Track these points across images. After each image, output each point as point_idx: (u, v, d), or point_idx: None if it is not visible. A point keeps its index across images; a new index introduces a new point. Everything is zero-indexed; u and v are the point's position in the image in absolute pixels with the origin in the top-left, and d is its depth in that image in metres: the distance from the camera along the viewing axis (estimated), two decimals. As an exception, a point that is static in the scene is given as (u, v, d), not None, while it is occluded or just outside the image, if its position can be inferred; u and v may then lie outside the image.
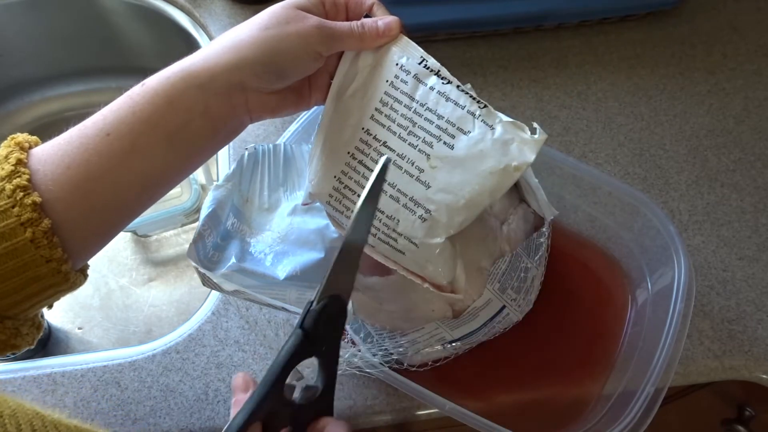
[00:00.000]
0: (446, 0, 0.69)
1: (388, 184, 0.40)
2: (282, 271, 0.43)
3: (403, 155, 0.39)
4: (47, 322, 0.69)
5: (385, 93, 0.40)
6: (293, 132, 0.54)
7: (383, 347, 0.49)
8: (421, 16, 0.69)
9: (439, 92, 0.39)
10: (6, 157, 0.32)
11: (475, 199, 0.39)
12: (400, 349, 0.48)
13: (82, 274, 0.36)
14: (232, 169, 0.47)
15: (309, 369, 0.35)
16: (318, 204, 0.47)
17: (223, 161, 0.66)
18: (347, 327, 0.52)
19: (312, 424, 0.33)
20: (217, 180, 0.54)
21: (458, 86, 0.39)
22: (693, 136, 0.69)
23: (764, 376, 0.55)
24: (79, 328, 0.72)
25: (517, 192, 0.50)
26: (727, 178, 0.65)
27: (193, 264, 0.41)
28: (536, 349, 0.54)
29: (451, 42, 0.74)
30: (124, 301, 0.74)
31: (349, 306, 0.46)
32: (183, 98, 0.35)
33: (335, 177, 0.41)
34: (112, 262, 0.77)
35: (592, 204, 0.56)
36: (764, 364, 0.55)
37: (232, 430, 0.30)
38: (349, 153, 0.40)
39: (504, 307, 0.48)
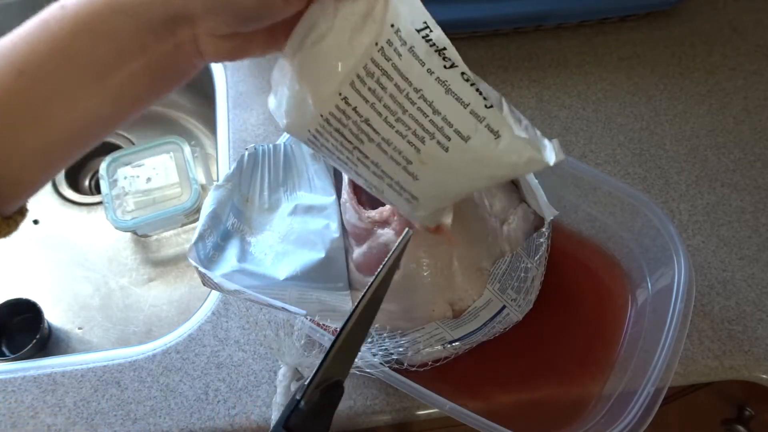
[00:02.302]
0: (446, 0, 0.70)
1: (371, 161, 0.35)
2: (282, 272, 0.43)
3: (389, 141, 0.34)
4: (47, 322, 0.69)
5: (372, 60, 0.32)
6: (293, 132, 0.54)
7: (383, 347, 0.49)
8: (421, 16, 0.69)
9: (438, 79, 0.33)
10: None
11: (466, 194, 0.37)
12: (400, 349, 0.48)
13: (18, 217, 0.31)
14: (232, 169, 0.47)
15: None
16: (318, 204, 0.48)
17: (223, 161, 0.66)
18: (347, 327, 0.52)
19: None
20: (217, 180, 0.54)
21: (463, 73, 0.33)
22: (693, 136, 0.69)
23: (764, 376, 0.55)
24: (79, 328, 0.72)
25: (517, 192, 0.50)
26: (727, 178, 0.65)
27: (193, 264, 0.41)
28: (536, 349, 0.54)
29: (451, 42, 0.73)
30: (124, 301, 0.74)
31: (349, 306, 0.46)
32: (111, 30, 0.28)
33: (309, 131, 0.35)
34: (112, 262, 0.77)
35: (592, 204, 0.56)
36: (764, 364, 0.55)
37: None
38: (322, 116, 0.34)
39: (504, 307, 0.48)
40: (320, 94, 0.33)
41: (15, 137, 0.28)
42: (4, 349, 0.70)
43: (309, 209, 0.47)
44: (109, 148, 0.85)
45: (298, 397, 0.31)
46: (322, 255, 0.45)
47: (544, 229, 0.48)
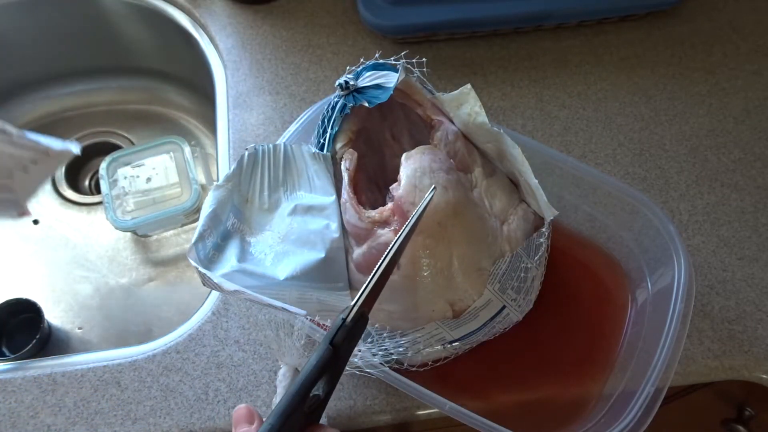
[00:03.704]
0: (446, 0, 0.70)
1: None
2: (282, 272, 0.43)
3: None
4: (47, 322, 0.69)
5: None
6: (293, 132, 0.54)
7: (383, 347, 0.49)
8: (421, 16, 0.69)
9: None
10: None
11: None
12: (400, 349, 0.48)
13: None
14: (232, 169, 0.47)
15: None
16: (318, 204, 0.48)
17: (223, 161, 0.66)
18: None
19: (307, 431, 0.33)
20: (217, 180, 0.54)
21: None
22: (693, 136, 0.69)
23: (764, 376, 0.55)
24: (79, 328, 0.72)
25: (517, 192, 0.50)
26: (727, 178, 0.65)
27: (193, 264, 0.41)
28: (536, 349, 0.54)
29: (451, 42, 0.74)
30: (124, 301, 0.74)
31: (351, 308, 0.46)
32: None
33: None
34: (112, 262, 0.77)
35: (592, 204, 0.56)
36: (764, 364, 0.55)
37: None
38: None
39: (504, 307, 0.48)
40: None
41: None
42: (4, 349, 0.70)
43: (309, 209, 0.47)
44: (109, 148, 0.86)
45: (343, 317, 0.34)
46: (322, 255, 0.45)
47: (544, 229, 0.48)
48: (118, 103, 0.90)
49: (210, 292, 0.58)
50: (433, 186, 0.39)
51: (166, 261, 0.77)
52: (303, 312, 0.40)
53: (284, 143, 0.51)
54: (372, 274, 0.36)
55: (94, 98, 0.90)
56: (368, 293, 0.35)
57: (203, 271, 0.41)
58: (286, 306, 0.43)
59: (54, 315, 0.73)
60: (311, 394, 0.33)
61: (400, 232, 0.38)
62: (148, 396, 0.53)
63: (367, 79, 0.48)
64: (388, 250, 0.37)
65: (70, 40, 0.84)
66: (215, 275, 0.41)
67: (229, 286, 0.41)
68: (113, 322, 0.73)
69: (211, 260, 0.43)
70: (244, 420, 0.36)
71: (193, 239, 0.42)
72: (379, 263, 0.36)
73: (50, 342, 0.70)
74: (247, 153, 0.48)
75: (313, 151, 0.49)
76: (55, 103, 0.89)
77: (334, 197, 0.48)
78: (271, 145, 0.50)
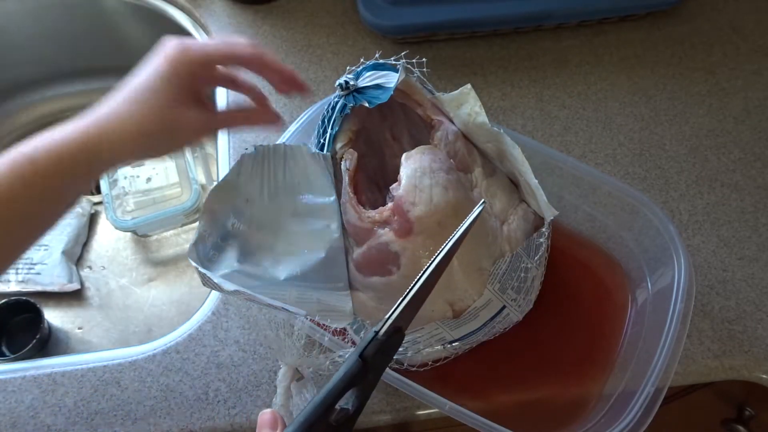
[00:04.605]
0: (446, 0, 0.70)
1: None
2: (282, 272, 0.43)
3: None
4: (47, 322, 0.69)
5: None
6: (293, 132, 0.54)
7: (383, 347, 0.49)
8: (421, 16, 0.69)
9: None
10: None
11: None
12: (400, 349, 0.48)
13: None
14: (232, 169, 0.47)
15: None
16: (318, 204, 0.48)
17: (223, 161, 0.66)
18: (347, 327, 0.52)
19: None
20: (217, 180, 0.54)
21: None
22: (693, 136, 0.69)
23: (764, 376, 0.55)
24: (79, 328, 0.72)
25: (517, 192, 0.50)
26: (727, 178, 0.65)
27: (193, 264, 0.41)
28: (536, 349, 0.54)
29: (451, 42, 0.74)
30: (124, 301, 0.74)
31: (349, 306, 0.46)
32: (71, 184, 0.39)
33: None
34: (112, 262, 0.77)
35: (592, 204, 0.56)
36: (764, 364, 0.55)
37: None
38: None
39: (504, 307, 0.48)
40: None
41: None
42: (4, 349, 0.70)
43: (309, 209, 0.47)
44: (109, 148, 0.85)
45: (376, 330, 0.33)
46: (322, 255, 0.45)
47: (544, 229, 0.48)
48: (118, 103, 0.90)
49: (210, 292, 0.58)
50: (483, 200, 0.37)
51: (166, 261, 0.77)
52: (303, 312, 0.40)
53: (284, 143, 0.51)
54: (410, 287, 0.34)
55: (94, 98, 0.88)
56: (405, 307, 0.33)
57: (203, 271, 0.41)
58: (286, 306, 0.43)
59: (54, 315, 0.73)
60: (339, 407, 0.32)
61: (444, 245, 0.35)
62: (148, 396, 0.52)
63: (367, 79, 0.48)
64: (430, 262, 0.34)
65: (70, 40, 0.84)
66: (215, 275, 0.41)
67: (229, 286, 0.41)
68: (113, 322, 0.73)
69: (211, 260, 0.43)
70: (268, 425, 0.36)
71: (193, 239, 0.42)
72: (418, 276, 0.34)
73: (50, 342, 0.70)
74: (247, 153, 0.48)
75: (313, 151, 0.49)
76: (55, 103, 0.89)
77: (334, 197, 0.48)
78: (271, 145, 0.50)
